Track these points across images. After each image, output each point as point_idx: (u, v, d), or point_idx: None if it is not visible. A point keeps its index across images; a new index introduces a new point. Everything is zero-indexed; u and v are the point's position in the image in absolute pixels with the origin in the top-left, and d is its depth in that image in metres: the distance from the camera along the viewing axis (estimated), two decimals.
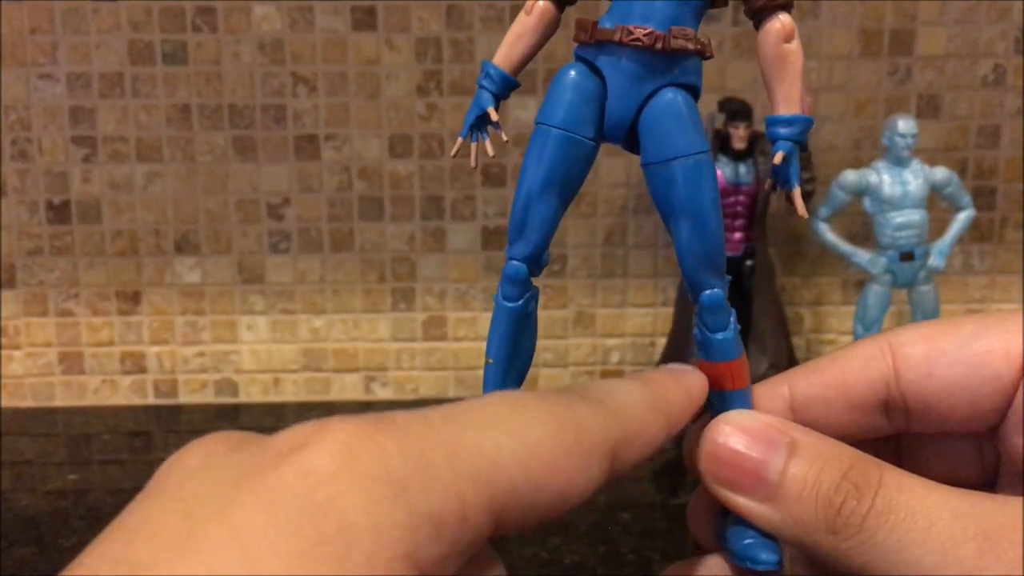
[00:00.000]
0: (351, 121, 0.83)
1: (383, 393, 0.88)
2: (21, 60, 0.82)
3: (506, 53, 0.27)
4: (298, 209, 0.85)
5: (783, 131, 0.26)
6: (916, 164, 0.75)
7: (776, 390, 0.26)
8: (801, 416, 0.25)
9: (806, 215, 0.26)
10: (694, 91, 0.26)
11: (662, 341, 0.86)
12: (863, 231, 0.82)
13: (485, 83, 0.27)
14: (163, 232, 0.85)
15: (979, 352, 0.24)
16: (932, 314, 0.78)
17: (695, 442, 0.25)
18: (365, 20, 0.82)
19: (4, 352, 0.86)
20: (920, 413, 0.24)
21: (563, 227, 0.86)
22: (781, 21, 0.26)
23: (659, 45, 0.25)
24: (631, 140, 0.26)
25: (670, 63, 0.26)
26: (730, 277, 0.26)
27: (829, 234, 0.77)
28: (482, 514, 0.17)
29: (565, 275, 0.87)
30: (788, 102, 0.26)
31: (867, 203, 0.76)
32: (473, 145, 0.28)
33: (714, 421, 0.24)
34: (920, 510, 0.21)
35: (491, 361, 0.26)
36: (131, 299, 0.86)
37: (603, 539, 0.61)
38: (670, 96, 0.25)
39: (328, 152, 0.84)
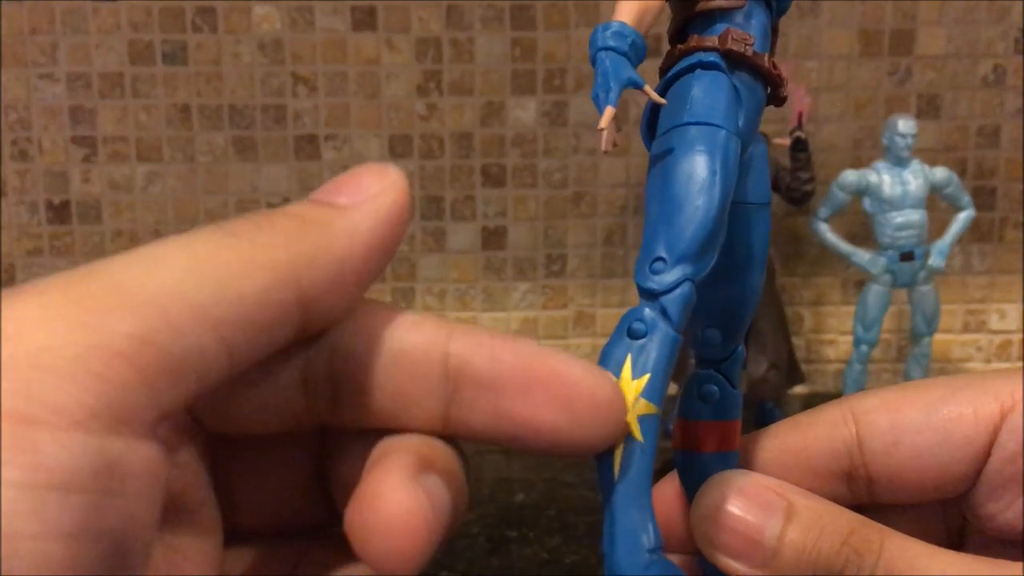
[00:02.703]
0: (351, 121, 0.83)
1: None
2: (21, 60, 0.82)
3: (637, 20, 0.20)
4: None
5: None
6: (916, 164, 0.75)
7: None
8: None
9: None
10: None
11: None
12: (863, 231, 0.82)
13: (625, 48, 0.20)
14: (163, 232, 0.85)
15: (949, 418, 0.23)
16: (932, 314, 0.78)
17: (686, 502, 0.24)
18: (365, 20, 0.82)
19: None
20: (885, 483, 0.24)
21: (563, 227, 0.87)
22: None
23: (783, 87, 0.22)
24: None
25: None
26: None
27: (829, 234, 0.77)
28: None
29: (565, 275, 0.87)
30: None
31: (867, 203, 0.76)
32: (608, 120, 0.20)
33: (709, 482, 0.23)
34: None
35: (656, 411, 0.20)
36: None
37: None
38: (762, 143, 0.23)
39: (328, 152, 0.84)
